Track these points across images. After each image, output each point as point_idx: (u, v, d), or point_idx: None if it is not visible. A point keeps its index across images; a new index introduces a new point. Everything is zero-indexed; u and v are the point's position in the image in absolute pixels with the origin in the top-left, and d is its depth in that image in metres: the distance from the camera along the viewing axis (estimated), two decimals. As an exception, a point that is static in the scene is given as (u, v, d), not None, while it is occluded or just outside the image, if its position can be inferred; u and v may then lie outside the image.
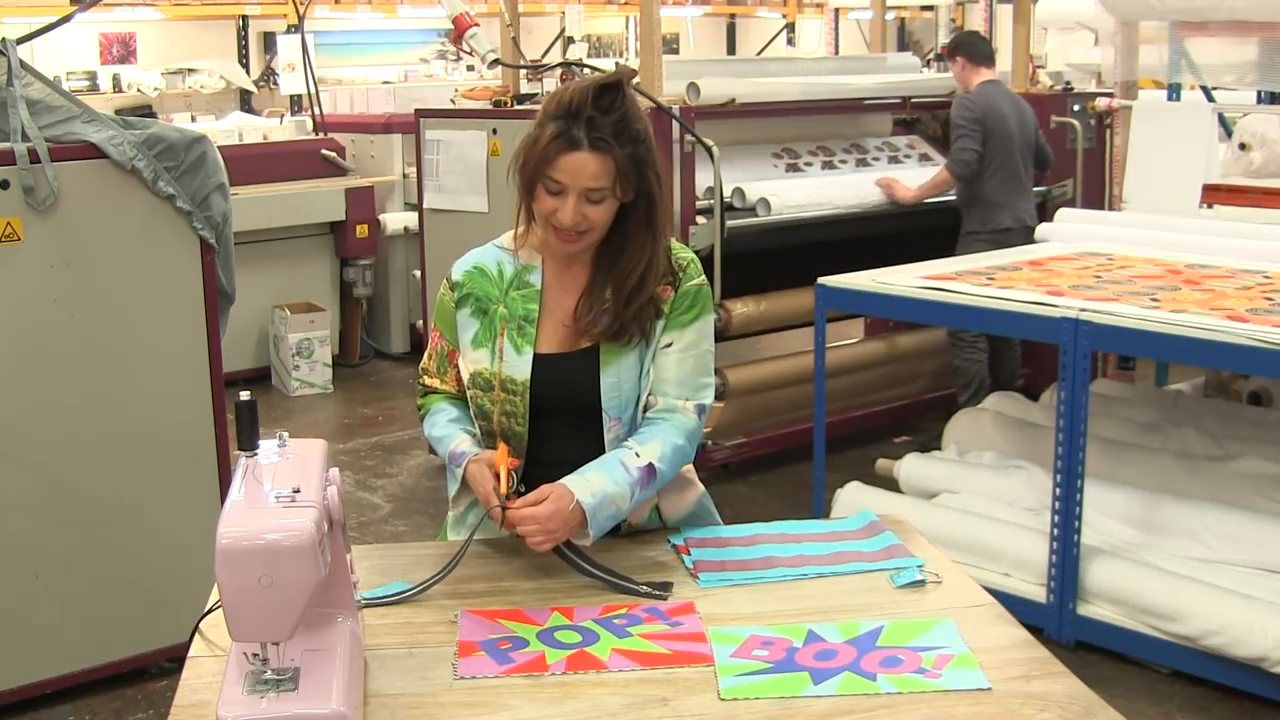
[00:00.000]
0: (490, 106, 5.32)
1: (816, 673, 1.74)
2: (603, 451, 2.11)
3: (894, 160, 5.65)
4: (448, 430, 2.19)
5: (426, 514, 4.80)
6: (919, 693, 1.69)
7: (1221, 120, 5.23)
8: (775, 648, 1.81)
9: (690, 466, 2.29)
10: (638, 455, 2.07)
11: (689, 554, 2.11)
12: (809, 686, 1.71)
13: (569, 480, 2.01)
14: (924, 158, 5.77)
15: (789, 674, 1.74)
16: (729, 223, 4.78)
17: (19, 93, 3.13)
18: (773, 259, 5.18)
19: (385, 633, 1.86)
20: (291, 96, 8.00)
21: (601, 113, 2.00)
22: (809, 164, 5.40)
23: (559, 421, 2.13)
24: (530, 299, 2.14)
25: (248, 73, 8.93)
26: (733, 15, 12.73)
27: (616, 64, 2.50)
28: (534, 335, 2.12)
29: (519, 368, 2.11)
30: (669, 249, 2.16)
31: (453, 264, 2.23)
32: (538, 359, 2.12)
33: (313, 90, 7.11)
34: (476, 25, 4.96)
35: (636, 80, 4.73)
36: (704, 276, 2.19)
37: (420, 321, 6.50)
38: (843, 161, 5.50)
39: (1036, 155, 5.38)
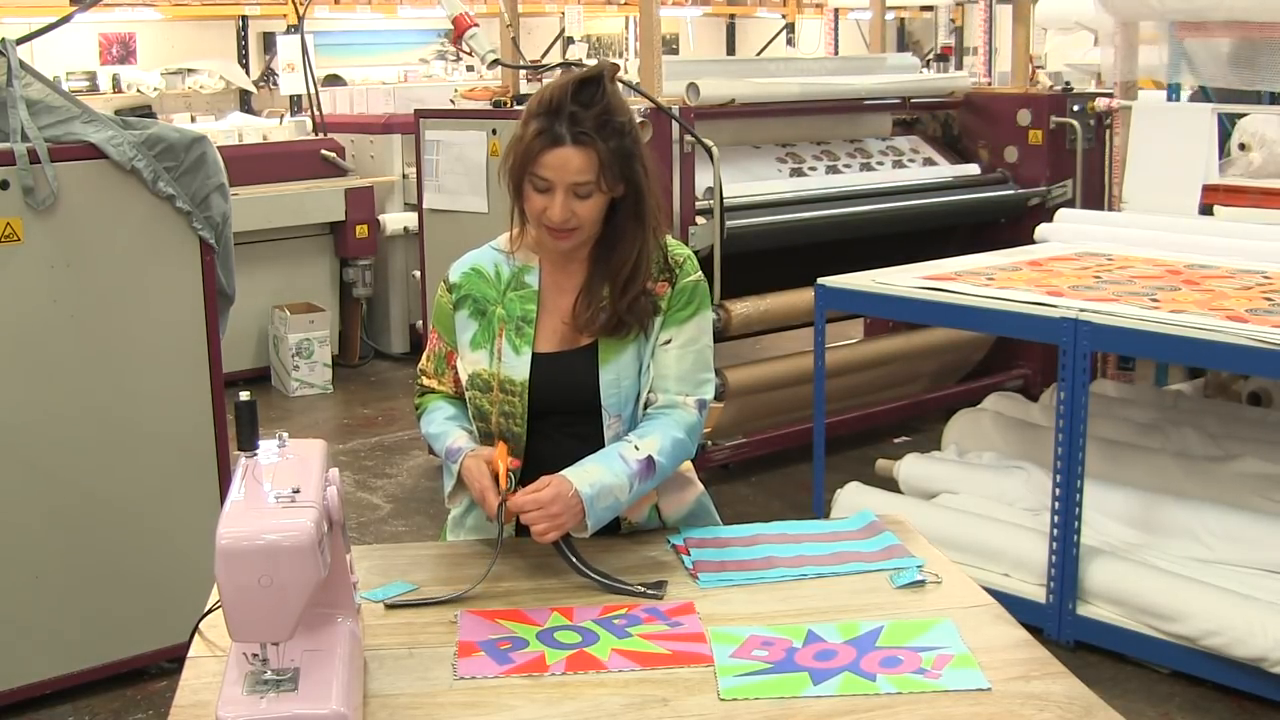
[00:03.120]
0: (490, 107, 5.31)
1: (816, 673, 1.74)
2: None
3: (898, 164, 5.66)
4: (444, 427, 2.19)
5: (426, 514, 4.80)
6: (919, 693, 1.69)
7: (1221, 120, 5.23)
8: (775, 648, 1.81)
9: (690, 465, 2.29)
10: (636, 448, 2.07)
11: (689, 554, 2.11)
12: (809, 687, 1.71)
13: (566, 472, 2.02)
14: (927, 161, 5.77)
15: (789, 674, 1.74)
16: (729, 223, 4.78)
17: (19, 93, 3.13)
18: (773, 259, 5.18)
19: (385, 633, 1.86)
20: (291, 97, 8.00)
21: (583, 107, 2.01)
22: (813, 168, 5.40)
23: (558, 421, 2.14)
24: (528, 299, 2.15)
25: (247, 73, 8.93)
26: (733, 15, 12.72)
27: (598, 60, 2.51)
28: (532, 335, 2.12)
29: (517, 368, 2.12)
30: (664, 245, 2.16)
31: (450, 266, 2.24)
32: (536, 358, 2.12)
33: (312, 90, 7.11)
34: (476, 25, 4.96)
35: (627, 77, 4.74)
36: (700, 273, 2.19)
37: (420, 322, 6.50)
38: (847, 165, 5.51)
39: None
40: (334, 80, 8.87)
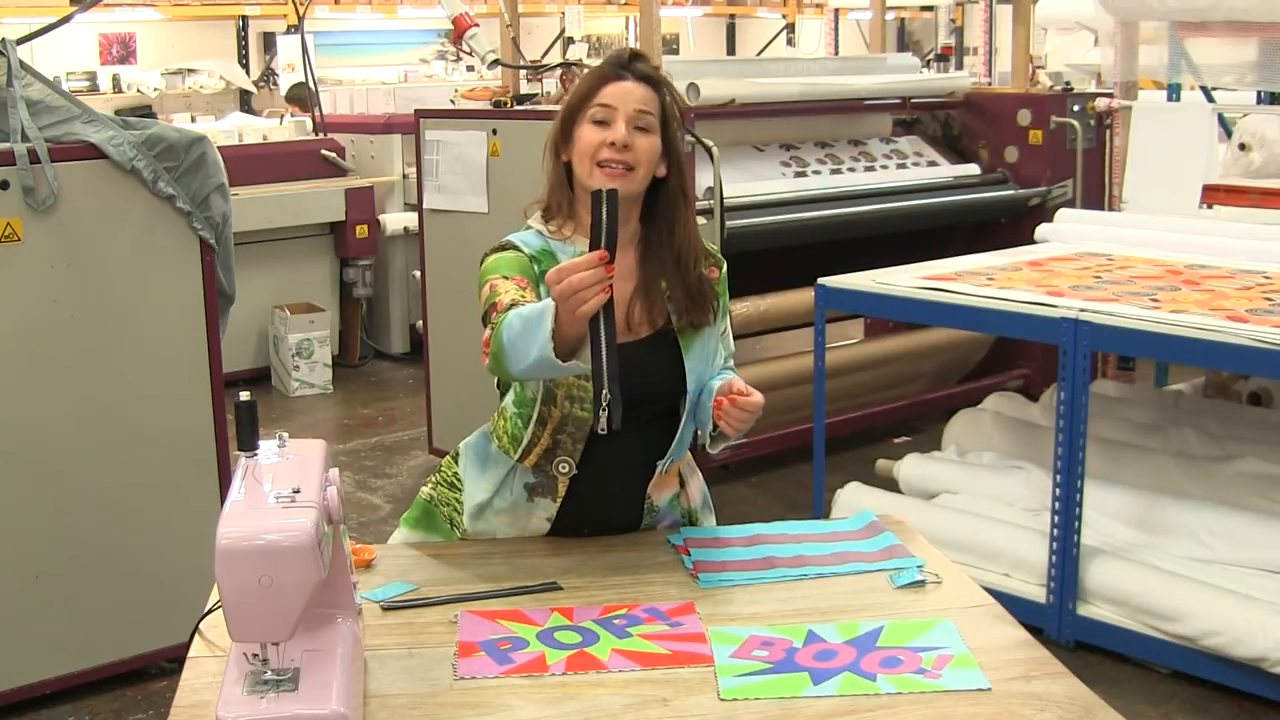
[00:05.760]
0: (490, 107, 5.31)
1: (816, 673, 1.74)
2: (671, 437, 2.13)
3: (901, 166, 5.65)
4: (536, 305, 1.89)
5: (426, 514, 4.79)
6: (919, 693, 1.69)
7: (1221, 120, 5.23)
8: (775, 648, 1.81)
9: (689, 454, 2.33)
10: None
11: (689, 554, 2.11)
12: (809, 687, 1.71)
13: None
14: (931, 163, 5.76)
15: (789, 674, 1.74)
16: (729, 223, 4.78)
17: (19, 93, 3.13)
18: (773, 259, 5.17)
19: (385, 633, 1.86)
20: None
21: (641, 63, 2.11)
22: (817, 171, 5.40)
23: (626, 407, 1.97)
24: None
25: (247, 73, 8.93)
26: (733, 15, 12.72)
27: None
28: None
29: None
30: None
31: (505, 236, 2.13)
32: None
33: (312, 90, 7.11)
34: (476, 25, 4.96)
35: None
36: None
37: (420, 322, 6.49)
38: (850, 168, 5.50)
39: None
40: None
